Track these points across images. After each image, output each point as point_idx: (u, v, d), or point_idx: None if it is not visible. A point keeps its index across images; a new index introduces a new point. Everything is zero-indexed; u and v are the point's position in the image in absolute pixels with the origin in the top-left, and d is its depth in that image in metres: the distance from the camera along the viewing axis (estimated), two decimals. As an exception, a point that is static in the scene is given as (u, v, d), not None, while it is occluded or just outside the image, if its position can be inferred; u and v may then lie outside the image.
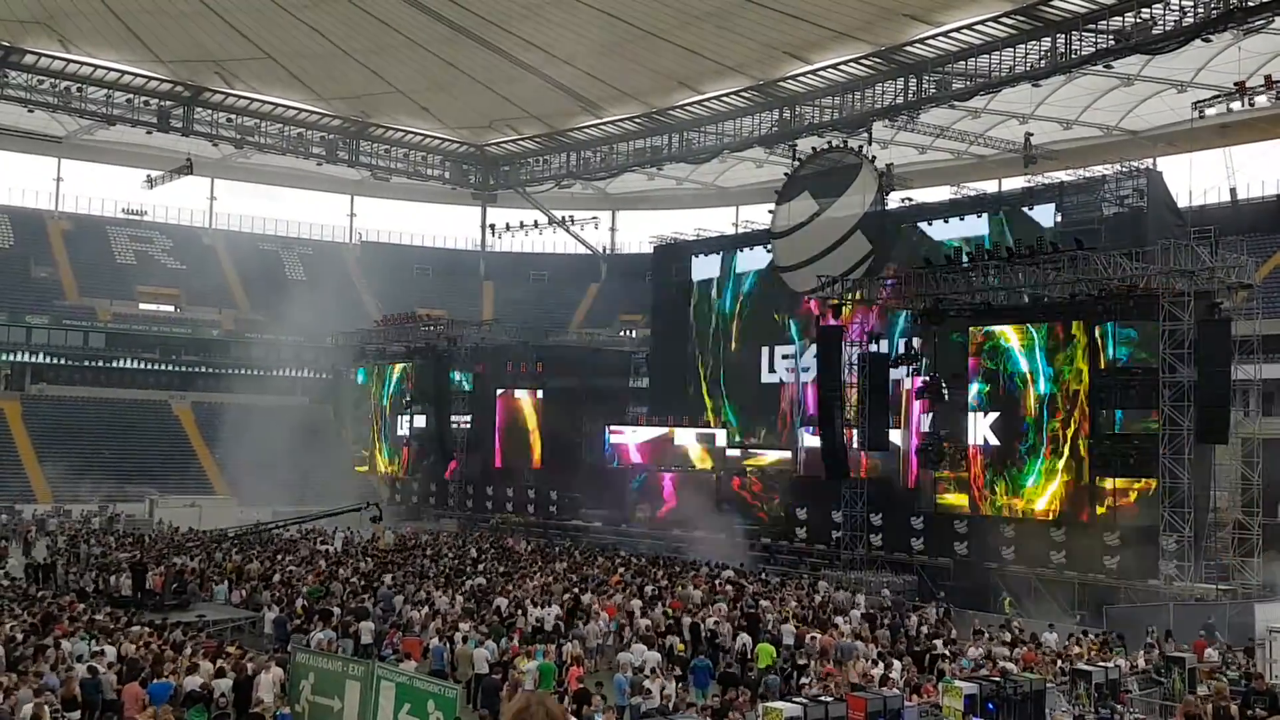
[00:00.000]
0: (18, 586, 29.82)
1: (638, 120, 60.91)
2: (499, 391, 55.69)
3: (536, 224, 74.82)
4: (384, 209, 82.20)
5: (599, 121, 62.13)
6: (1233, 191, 52.58)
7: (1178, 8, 39.15)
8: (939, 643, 24.29)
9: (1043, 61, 43.33)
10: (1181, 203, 42.82)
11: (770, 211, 49.73)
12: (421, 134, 68.70)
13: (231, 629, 26.05)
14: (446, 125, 66.79)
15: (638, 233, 74.31)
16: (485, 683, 20.36)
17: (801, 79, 52.35)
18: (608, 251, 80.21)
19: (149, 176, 66.12)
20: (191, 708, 17.46)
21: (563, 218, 75.15)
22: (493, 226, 78.14)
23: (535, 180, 71.43)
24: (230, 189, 77.51)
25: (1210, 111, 45.08)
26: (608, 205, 79.90)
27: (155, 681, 18.29)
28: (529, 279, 78.10)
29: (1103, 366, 33.80)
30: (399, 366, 59.73)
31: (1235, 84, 40.66)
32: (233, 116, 62.70)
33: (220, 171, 74.07)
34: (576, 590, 29.58)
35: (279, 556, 36.56)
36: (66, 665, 19.19)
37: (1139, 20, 39.68)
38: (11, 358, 62.90)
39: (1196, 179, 52.36)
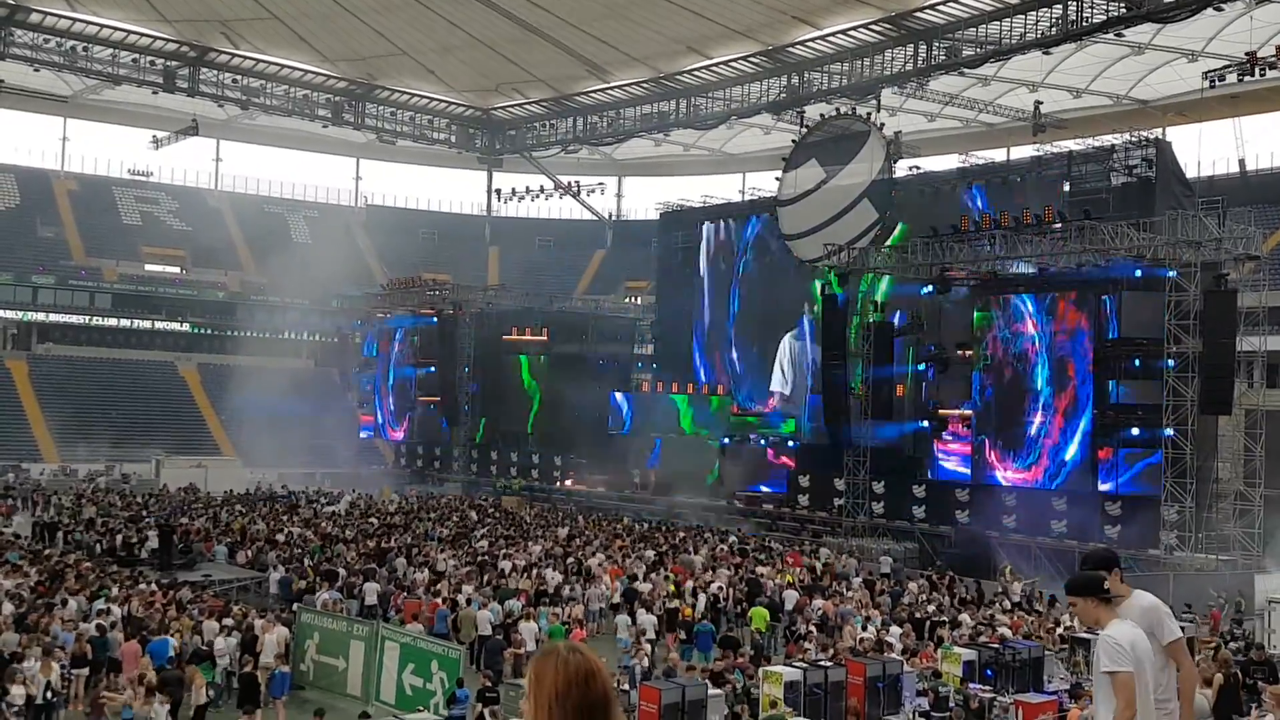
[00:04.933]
0: (24, 544, 30.06)
1: (645, 85, 60.57)
2: (504, 357, 55.80)
3: (542, 189, 74.62)
4: (389, 172, 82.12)
5: (606, 86, 61.78)
6: (1241, 163, 52.30)
7: (1191, -25, 38.78)
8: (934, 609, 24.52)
9: (1054, 29, 42.96)
10: (1190, 173, 42.62)
11: (777, 179, 49.55)
12: (428, 97, 68.37)
13: (237, 589, 26.26)
14: (453, 88, 66.45)
15: (644, 199, 74.43)
16: (489, 644, 20.58)
17: (811, 45, 51.97)
18: (613, 218, 79.97)
19: (154, 137, 65.88)
20: (200, 664, 17.69)
21: (569, 184, 74.89)
22: (498, 191, 77.93)
23: (541, 145, 71.14)
24: (235, 150, 77.45)
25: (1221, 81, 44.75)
26: (614, 171, 79.64)
27: (155, 639, 18.48)
28: (535, 244, 77.93)
29: (1108, 336, 33.79)
30: (404, 330, 59.80)
31: (1246, 54, 40.27)
32: (238, 77, 62.43)
33: (225, 133, 73.85)
34: (580, 555, 29.81)
35: (284, 517, 36.86)
36: (74, 623, 19.40)
37: (1151, -12, 39.33)
38: (18, 317, 63.01)
39: (1205, 150, 52.10)
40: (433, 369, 57.11)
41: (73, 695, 17.59)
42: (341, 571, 26.17)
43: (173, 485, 46.95)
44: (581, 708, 3.04)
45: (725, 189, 60.36)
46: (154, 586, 23.30)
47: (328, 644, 19.63)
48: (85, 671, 17.96)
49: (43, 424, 56.05)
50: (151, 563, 28.21)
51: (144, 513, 36.37)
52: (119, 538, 30.88)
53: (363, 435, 62.02)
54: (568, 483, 51.16)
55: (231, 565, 29.23)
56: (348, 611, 22.64)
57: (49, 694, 16.25)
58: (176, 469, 51.05)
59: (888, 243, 42.17)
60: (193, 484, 47.17)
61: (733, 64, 55.72)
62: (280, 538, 31.67)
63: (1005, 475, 35.95)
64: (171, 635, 18.91)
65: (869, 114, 47.93)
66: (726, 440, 47.69)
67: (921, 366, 39.65)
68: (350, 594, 24.38)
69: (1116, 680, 5.54)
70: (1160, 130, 44.86)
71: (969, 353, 37.35)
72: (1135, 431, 33.16)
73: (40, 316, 63.41)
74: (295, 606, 22.09)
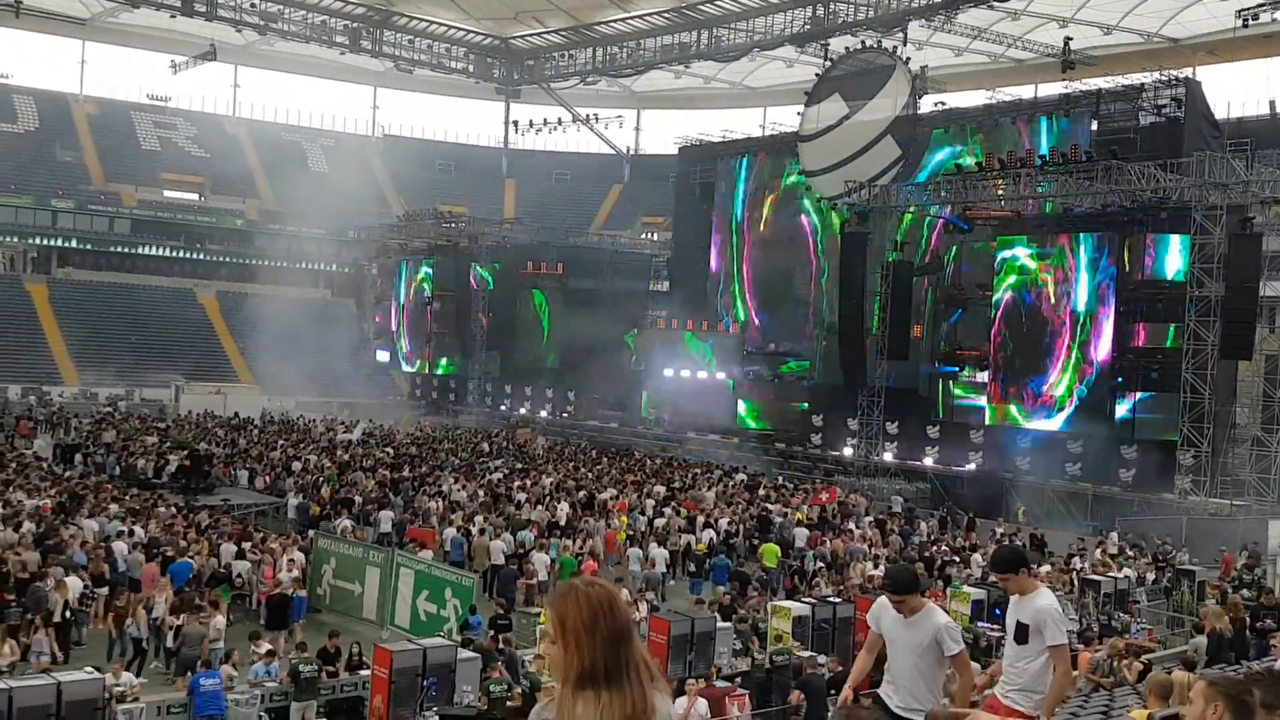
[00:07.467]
0: (45, 466, 30.43)
1: (666, 15, 59.62)
2: (519, 290, 55.74)
3: (560, 121, 73.88)
4: (407, 102, 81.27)
5: (627, 15, 60.85)
6: (1272, 104, 51.15)
7: (1230, -91, 37.73)
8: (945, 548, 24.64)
9: (1086, -38, 42.01)
10: (1219, 114, 41.72)
11: (799, 113, 48.87)
12: (446, 24, 67.51)
13: (255, 514, 26.56)
14: (471, 16, 65.58)
15: (663, 133, 73.35)
16: (502, 573, 20.80)
17: (837, -25, 51.00)
18: (632, 152, 79.20)
19: (173, 62, 65.37)
20: (218, 586, 17.98)
21: (587, 115, 74.11)
22: (515, 123, 77.21)
23: (560, 76, 70.30)
24: (253, 77, 76.78)
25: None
26: (633, 104, 78.69)
27: (176, 561, 18.75)
28: (551, 178, 77.35)
29: (1130, 278, 33.47)
30: (420, 262, 59.73)
31: (1284, -8, 39.36)
32: (256, 2, 61.70)
33: (244, 59, 73.11)
34: (591, 488, 30.00)
35: (300, 444, 37.15)
36: (92, 545, 19.67)
37: (1189, -78, 38.31)
38: (38, 242, 63.19)
39: (1236, 90, 50.87)
40: (448, 302, 57.11)
41: (93, 615, 17.87)
42: (357, 499, 26.44)
43: (193, 410, 47.32)
44: (610, 635, 3.03)
45: (746, 123, 59.73)
46: (173, 509, 23.62)
47: (344, 569, 19.88)
48: (105, 591, 18.24)
49: (63, 347, 56.47)
50: (171, 486, 28.55)
51: (173, 436, 36.81)
52: (140, 462, 31.16)
53: (379, 364, 62.30)
54: (580, 417, 51.32)
55: (250, 490, 29.57)
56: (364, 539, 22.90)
57: (67, 613, 16.53)
58: (195, 394, 51.47)
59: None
60: (208, 410, 47.59)
61: (757, -6, 54.74)
62: (297, 465, 31.95)
63: (1021, 417, 35.86)
64: (191, 558, 19.18)
65: (895, 47, 47.08)
66: (738, 377, 47.64)
67: (940, 306, 39.39)
68: (365, 521, 24.65)
69: (958, 659, 6.30)
70: (1190, 70, 43.95)
71: (989, 293, 37.05)
72: (1154, 375, 32.96)
73: (60, 242, 63.51)
74: (312, 532, 22.35)
